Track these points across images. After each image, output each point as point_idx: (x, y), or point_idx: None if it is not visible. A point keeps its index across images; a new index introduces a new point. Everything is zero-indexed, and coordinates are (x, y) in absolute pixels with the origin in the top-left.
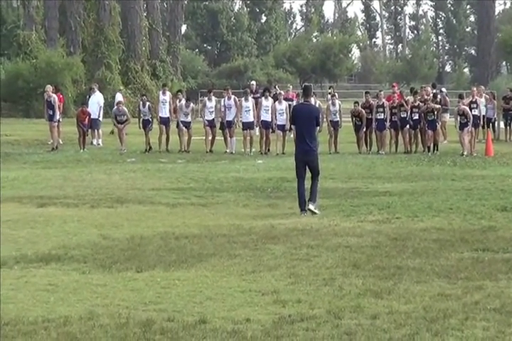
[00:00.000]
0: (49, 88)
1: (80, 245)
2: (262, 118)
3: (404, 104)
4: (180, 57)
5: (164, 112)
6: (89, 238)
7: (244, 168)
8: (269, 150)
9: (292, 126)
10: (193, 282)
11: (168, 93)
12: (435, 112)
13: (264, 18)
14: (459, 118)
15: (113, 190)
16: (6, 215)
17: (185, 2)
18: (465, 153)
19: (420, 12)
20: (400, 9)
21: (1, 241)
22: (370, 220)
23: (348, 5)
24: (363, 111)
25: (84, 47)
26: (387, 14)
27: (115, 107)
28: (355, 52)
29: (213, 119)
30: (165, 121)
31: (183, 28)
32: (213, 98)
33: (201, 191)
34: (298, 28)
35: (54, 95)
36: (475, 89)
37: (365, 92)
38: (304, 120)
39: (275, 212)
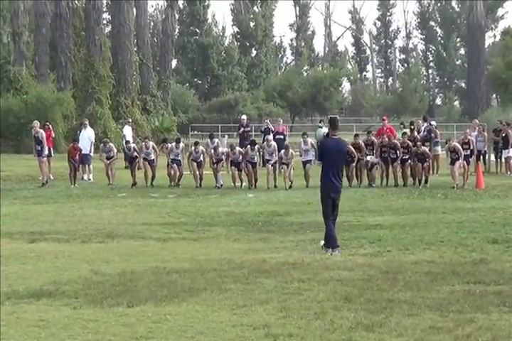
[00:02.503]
0: (36, 124)
1: (71, 280)
2: (248, 159)
3: (394, 146)
4: (170, 92)
5: (149, 157)
6: (80, 273)
7: (235, 202)
8: (255, 186)
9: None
10: (184, 317)
11: (151, 144)
12: (425, 155)
13: (254, 52)
14: (449, 154)
15: (104, 225)
16: None
17: (176, 37)
18: (456, 183)
19: (410, 45)
20: (390, 43)
21: None
22: (361, 253)
23: (338, 38)
24: (352, 148)
25: (75, 83)
26: (377, 48)
27: (101, 144)
28: (346, 86)
29: (200, 161)
30: (150, 161)
31: (174, 62)
32: (200, 148)
33: (192, 225)
34: (288, 61)
35: (41, 131)
36: (467, 130)
37: (355, 135)
38: (333, 155)
39: (266, 246)
